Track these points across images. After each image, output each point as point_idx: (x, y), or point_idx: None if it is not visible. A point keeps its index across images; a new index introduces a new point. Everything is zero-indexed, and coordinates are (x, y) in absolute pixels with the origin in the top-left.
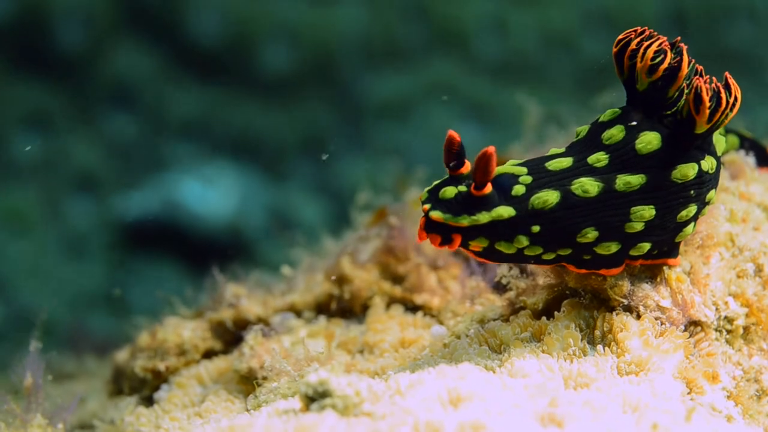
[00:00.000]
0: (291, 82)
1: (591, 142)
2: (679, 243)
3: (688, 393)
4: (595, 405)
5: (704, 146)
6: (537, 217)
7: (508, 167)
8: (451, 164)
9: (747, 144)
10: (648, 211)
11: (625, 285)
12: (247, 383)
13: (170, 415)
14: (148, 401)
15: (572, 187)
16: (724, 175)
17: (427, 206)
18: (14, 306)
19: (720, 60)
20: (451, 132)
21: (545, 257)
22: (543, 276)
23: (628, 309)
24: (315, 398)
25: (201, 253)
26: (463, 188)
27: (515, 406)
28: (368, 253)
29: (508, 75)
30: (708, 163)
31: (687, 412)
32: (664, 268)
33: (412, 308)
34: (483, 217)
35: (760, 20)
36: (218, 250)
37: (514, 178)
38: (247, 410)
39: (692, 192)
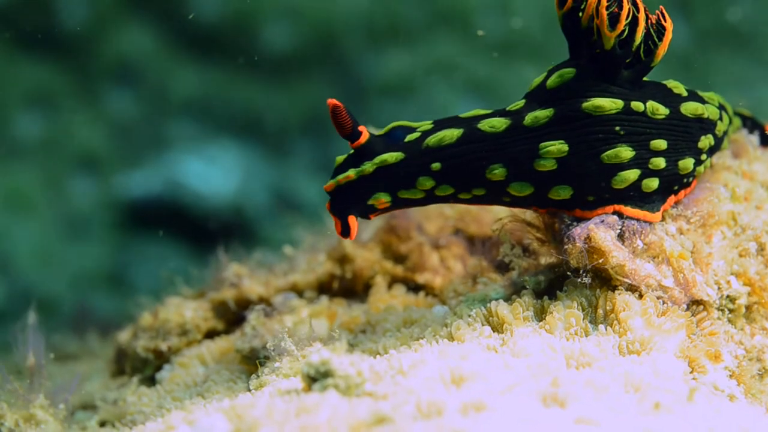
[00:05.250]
0: (293, 60)
1: (519, 99)
2: (648, 194)
3: (691, 372)
4: (597, 384)
5: (645, 89)
6: (434, 154)
7: (403, 122)
8: (348, 137)
9: (749, 123)
10: (557, 146)
11: (627, 264)
12: (249, 363)
13: (172, 394)
14: (151, 381)
15: (479, 124)
16: (726, 153)
17: (326, 185)
18: (16, 285)
19: (722, 38)
20: (333, 102)
21: (461, 196)
22: (545, 255)
23: (631, 288)
24: (317, 378)
25: (203, 232)
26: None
27: (517, 385)
28: (370, 232)
29: (510, 53)
30: (650, 108)
31: (689, 392)
32: (665, 246)
33: (414, 288)
34: (367, 167)
35: None
36: (220, 229)
37: (407, 130)
38: (249, 390)
39: (618, 128)
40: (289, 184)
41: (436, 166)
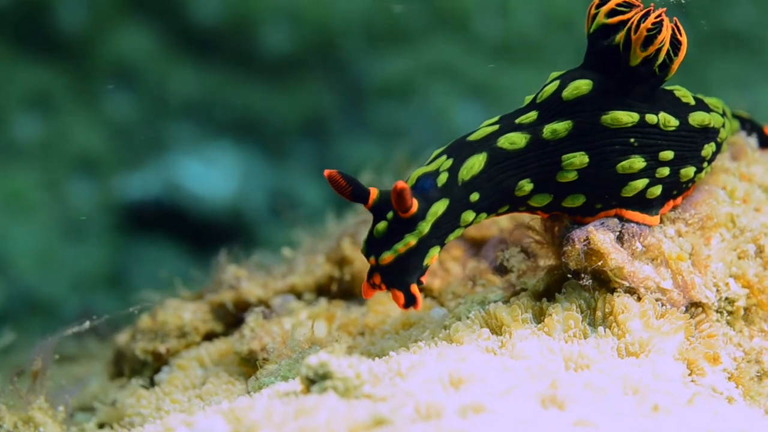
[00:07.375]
0: (292, 62)
1: (526, 108)
2: (650, 200)
3: (689, 374)
4: (596, 386)
5: (655, 100)
6: (470, 185)
7: (421, 169)
8: (355, 200)
9: (747, 126)
10: (579, 158)
11: (626, 266)
12: (248, 365)
13: (171, 396)
14: (149, 383)
15: (498, 143)
16: (725, 156)
17: (372, 259)
18: (15, 287)
19: (721, 41)
20: (328, 172)
21: (489, 217)
22: (544, 258)
23: (629, 290)
24: (316, 380)
25: (202, 234)
26: (390, 215)
27: (516, 387)
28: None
29: (509, 55)
30: (663, 120)
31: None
32: (664, 248)
33: None
34: (424, 226)
35: (762, 1)
36: (219, 231)
37: (432, 175)
38: (248, 392)
39: (632, 140)
40: (288, 186)
41: (474, 197)
